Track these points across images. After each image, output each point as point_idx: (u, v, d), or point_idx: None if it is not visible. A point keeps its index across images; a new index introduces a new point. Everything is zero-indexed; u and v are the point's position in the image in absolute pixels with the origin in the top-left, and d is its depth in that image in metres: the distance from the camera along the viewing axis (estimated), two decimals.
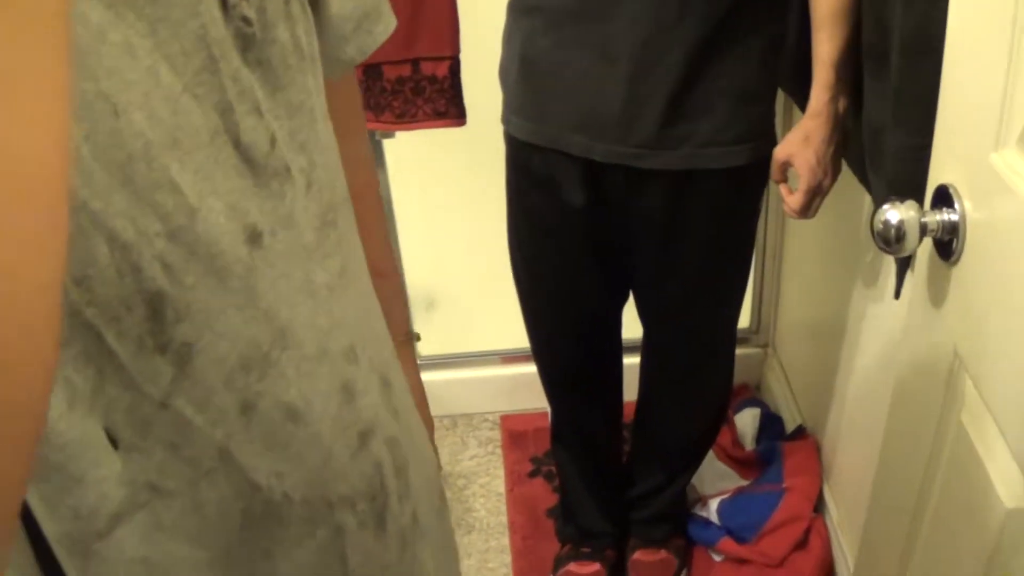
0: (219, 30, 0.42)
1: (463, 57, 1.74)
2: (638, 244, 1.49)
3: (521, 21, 1.38)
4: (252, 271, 0.46)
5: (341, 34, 0.65)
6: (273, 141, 0.46)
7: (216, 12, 0.42)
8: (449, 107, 1.76)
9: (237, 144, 0.44)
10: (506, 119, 1.47)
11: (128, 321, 0.43)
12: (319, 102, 0.51)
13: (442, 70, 1.73)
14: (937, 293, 0.91)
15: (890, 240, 0.86)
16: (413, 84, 1.74)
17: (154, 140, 0.40)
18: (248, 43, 0.44)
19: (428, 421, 0.91)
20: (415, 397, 0.89)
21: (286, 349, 0.49)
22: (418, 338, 0.93)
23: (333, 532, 0.55)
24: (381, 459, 0.57)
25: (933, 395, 0.93)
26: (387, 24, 0.68)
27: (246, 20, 0.43)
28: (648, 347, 1.71)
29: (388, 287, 0.86)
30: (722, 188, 1.39)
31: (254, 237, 0.46)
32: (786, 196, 1.36)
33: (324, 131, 0.52)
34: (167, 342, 0.44)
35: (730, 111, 1.33)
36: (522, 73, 1.40)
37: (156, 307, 0.43)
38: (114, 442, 0.45)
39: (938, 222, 0.86)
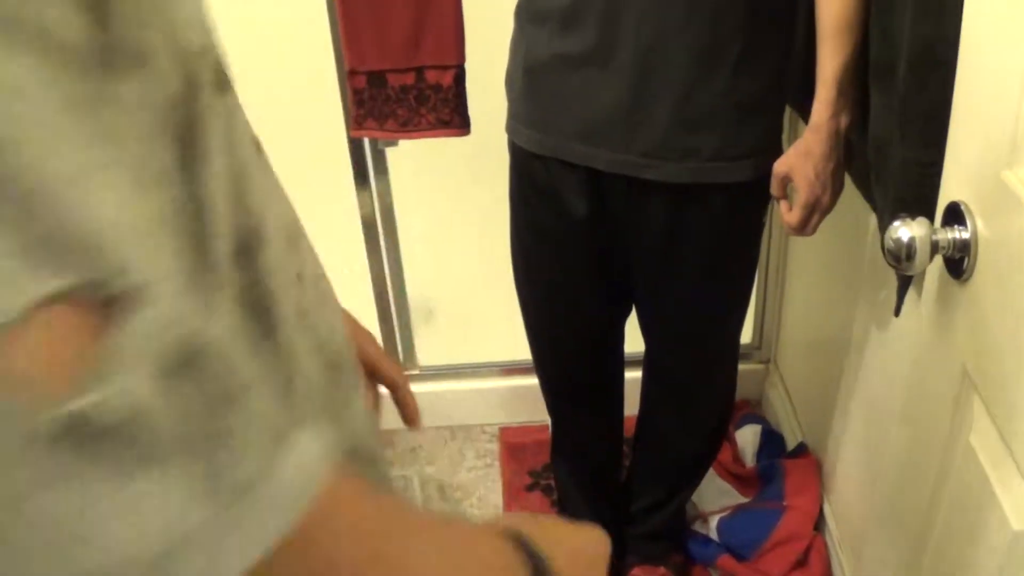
0: None
1: (468, 65, 1.73)
2: (640, 257, 1.48)
3: (527, 29, 1.37)
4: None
5: None
6: None
7: None
8: (453, 116, 1.75)
9: None
10: (511, 128, 1.46)
11: None
12: None
13: (447, 79, 1.72)
14: (947, 311, 0.90)
15: (901, 257, 0.85)
16: (417, 93, 1.73)
17: None
18: None
19: None
20: None
21: (301, 230, 0.56)
22: None
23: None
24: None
25: (941, 414, 0.92)
26: None
27: None
28: (650, 361, 1.69)
29: None
30: (726, 203, 1.38)
31: (259, 147, 0.52)
32: (784, 212, 1.35)
33: None
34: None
35: (736, 124, 1.32)
36: (527, 81, 1.39)
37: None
38: None
39: (949, 240, 0.84)
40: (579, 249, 1.49)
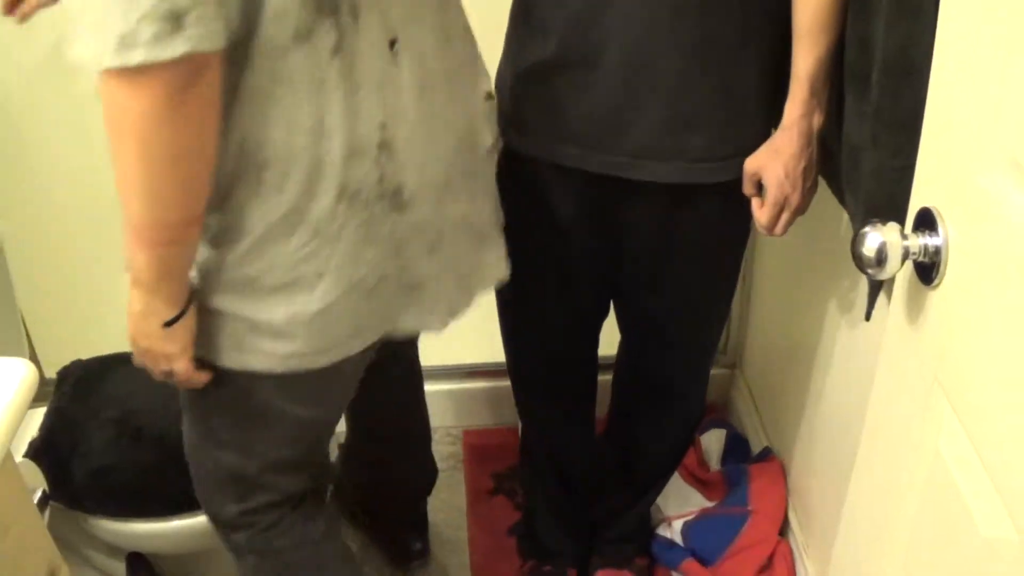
0: None
1: None
2: (630, 258, 1.47)
3: (517, 33, 1.36)
4: None
5: None
6: None
7: None
8: None
9: None
10: (502, 131, 1.44)
11: None
12: None
13: None
14: (917, 317, 0.89)
15: (871, 263, 0.84)
16: None
17: None
18: None
19: None
20: None
21: None
22: None
23: None
24: None
25: (910, 421, 0.92)
26: None
27: None
28: (627, 362, 1.68)
29: None
30: (717, 203, 1.37)
31: None
32: (756, 211, 1.34)
33: None
34: None
35: (726, 123, 1.30)
36: (517, 85, 1.37)
37: None
38: None
39: (920, 245, 0.84)
40: (567, 251, 1.48)
